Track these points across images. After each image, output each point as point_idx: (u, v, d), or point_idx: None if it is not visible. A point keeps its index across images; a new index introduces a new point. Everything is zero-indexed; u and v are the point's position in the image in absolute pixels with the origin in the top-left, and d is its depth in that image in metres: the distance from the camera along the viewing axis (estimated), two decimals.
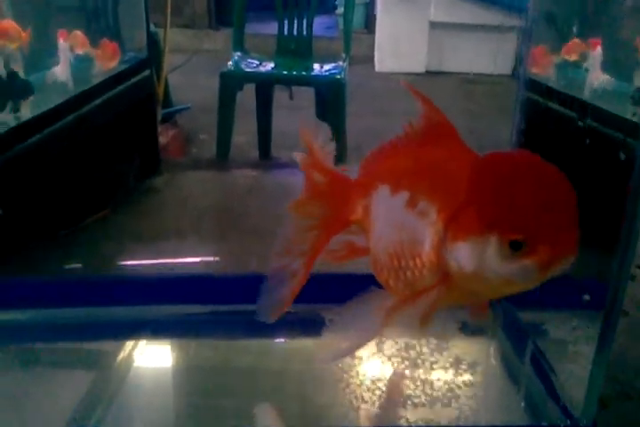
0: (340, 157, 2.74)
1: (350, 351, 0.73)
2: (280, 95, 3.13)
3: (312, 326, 1.11)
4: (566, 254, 0.54)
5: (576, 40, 2.11)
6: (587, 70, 2.00)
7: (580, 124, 1.28)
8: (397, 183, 0.66)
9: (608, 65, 1.96)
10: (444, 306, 0.65)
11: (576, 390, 0.87)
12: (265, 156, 3.10)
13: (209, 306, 1.22)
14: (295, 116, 3.55)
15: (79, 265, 1.85)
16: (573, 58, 2.14)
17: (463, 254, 0.57)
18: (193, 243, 2.06)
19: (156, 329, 1.21)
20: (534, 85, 1.81)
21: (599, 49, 1.95)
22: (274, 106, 3.11)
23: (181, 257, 1.95)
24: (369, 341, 0.70)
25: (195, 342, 1.19)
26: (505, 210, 0.55)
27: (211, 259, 1.97)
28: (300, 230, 0.77)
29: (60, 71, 1.93)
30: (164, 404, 1.03)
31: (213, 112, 2.94)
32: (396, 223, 0.65)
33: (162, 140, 2.75)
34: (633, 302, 1.86)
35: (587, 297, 0.90)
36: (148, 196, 2.41)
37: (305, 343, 1.18)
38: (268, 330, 1.09)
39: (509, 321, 1.20)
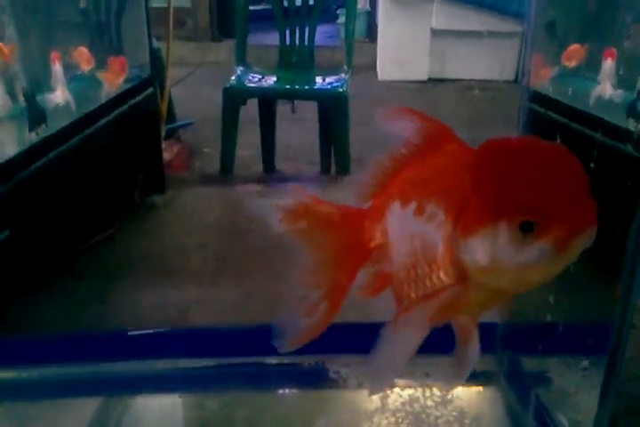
0: (344, 169, 2.72)
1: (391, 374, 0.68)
2: (283, 107, 3.14)
3: (317, 378, 1.11)
4: (583, 228, 0.51)
5: (576, 46, 2.09)
6: (598, 81, 1.97)
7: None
8: (405, 197, 0.64)
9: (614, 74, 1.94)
10: (475, 312, 0.62)
11: None
12: (269, 169, 3.10)
13: (211, 359, 1.21)
14: (298, 128, 3.56)
15: None
16: (573, 64, 2.12)
17: (476, 248, 0.54)
18: (198, 262, 2.07)
19: (157, 383, 1.20)
20: (535, 95, 1.80)
21: (610, 60, 1.91)
22: (277, 118, 3.11)
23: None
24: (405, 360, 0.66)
25: (197, 394, 1.18)
26: (508, 194, 0.52)
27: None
28: (319, 267, 0.72)
29: (59, 95, 1.88)
30: None
31: (217, 125, 2.95)
32: (409, 235, 0.63)
33: (166, 156, 2.76)
34: None
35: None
36: (153, 213, 2.42)
37: (309, 395, 1.17)
38: (271, 381, 1.09)
39: (513, 370, 1.19)
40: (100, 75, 2.22)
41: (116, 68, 2.29)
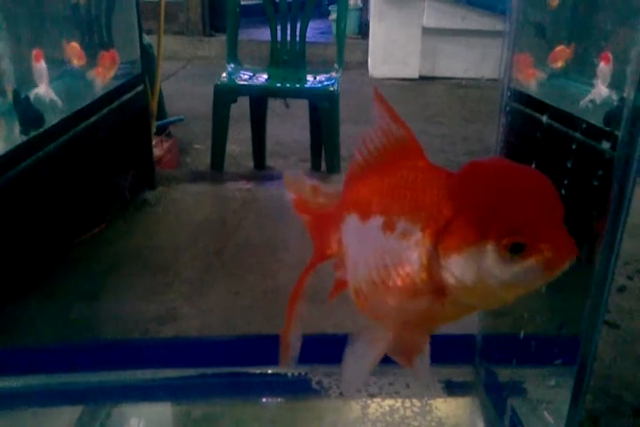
0: (333, 168, 2.74)
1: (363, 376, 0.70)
2: (275, 103, 3.14)
3: (299, 388, 1.13)
4: (567, 250, 0.54)
5: (561, 47, 2.10)
6: (592, 85, 1.96)
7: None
8: (365, 210, 0.65)
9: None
10: (443, 323, 0.64)
11: None
12: (260, 165, 3.12)
13: (195, 369, 1.22)
14: (290, 124, 3.57)
15: None
16: (558, 65, 2.12)
17: (461, 267, 0.56)
18: (188, 259, 2.08)
19: (141, 392, 1.21)
20: (517, 95, 1.80)
21: (603, 63, 1.90)
22: (269, 114, 3.12)
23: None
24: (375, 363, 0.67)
25: (180, 404, 1.20)
26: (497, 215, 0.54)
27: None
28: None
29: (42, 94, 1.84)
30: None
31: (207, 120, 2.95)
32: (373, 250, 0.63)
33: (156, 152, 2.76)
34: (624, 313, 1.88)
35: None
36: (143, 210, 2.43)
37: (292, 404, 1.19)
38: (254, 391, 1.10)
39: (491, 381, 1.21)
40: (91, 70, 2.21)
41: (106, 62, 2.28)
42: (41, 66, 1.86)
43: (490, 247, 0.54)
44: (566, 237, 0.55)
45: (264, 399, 1.22)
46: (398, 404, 1.15)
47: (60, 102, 1.89)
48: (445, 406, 1.18)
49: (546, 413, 1.10)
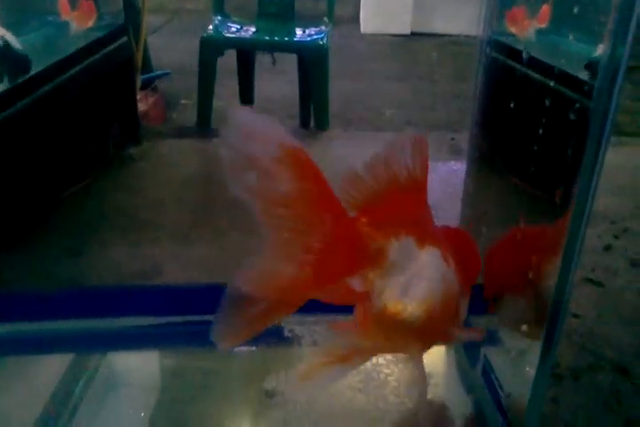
0: (322, 124, 2.69)
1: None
2: (263, 58, 3.08)
3: (272, 336, 1.14)
4: None
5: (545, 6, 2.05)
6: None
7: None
8: (425, 238, 0.73)
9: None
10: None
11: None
12: None
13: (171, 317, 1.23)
14: (279, 80, 3.50)
15: None
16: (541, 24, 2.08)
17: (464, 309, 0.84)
18: (173, 214, 2.06)
19: (123, 339, 1.22)
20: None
21: None
22: (257, 70, 3.06)
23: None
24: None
25: (162, 351, 1.21)
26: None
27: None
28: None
29: None
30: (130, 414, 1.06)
31: (194, 75, 2.89)
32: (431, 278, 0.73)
33: (142, 106, 2.71)
34: (609, 272, 1.89)
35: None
36: (128, 165, 2.40)
37: (264, 352, 1.19)
38: None
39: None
40: (67, 20, 2.15)
41: (83, 11, 2.21)
42: None
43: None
44: None
45: (236, 348, 1.22)
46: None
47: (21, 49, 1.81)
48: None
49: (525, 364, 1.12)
